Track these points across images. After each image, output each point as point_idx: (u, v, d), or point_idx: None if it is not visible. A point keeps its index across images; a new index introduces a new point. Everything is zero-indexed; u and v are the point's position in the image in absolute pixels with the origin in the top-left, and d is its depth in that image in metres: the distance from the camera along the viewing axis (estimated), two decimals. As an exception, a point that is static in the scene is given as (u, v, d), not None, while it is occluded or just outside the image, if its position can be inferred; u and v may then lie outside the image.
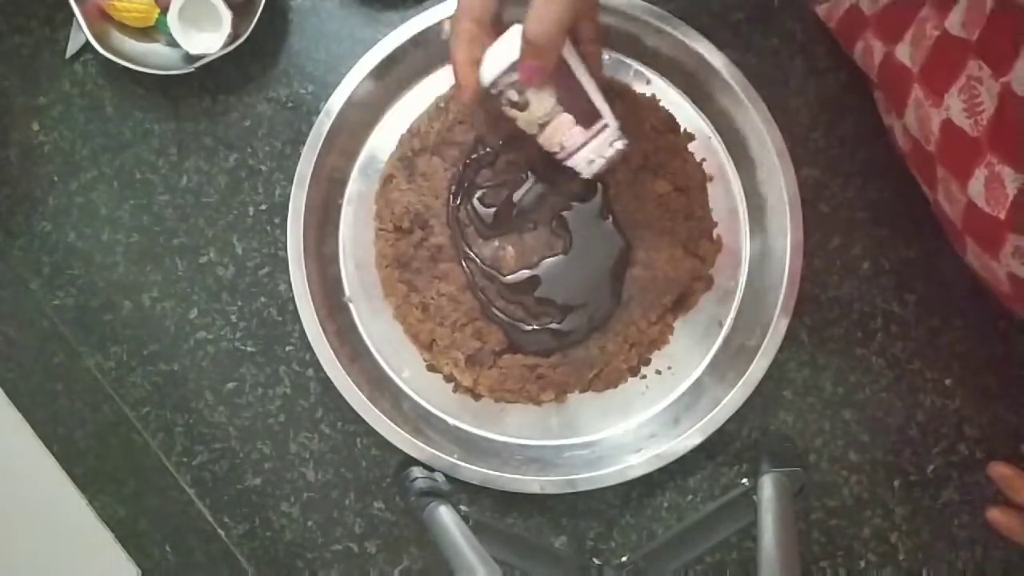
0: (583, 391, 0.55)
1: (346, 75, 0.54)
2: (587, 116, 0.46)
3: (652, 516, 0.55)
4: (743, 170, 0.56)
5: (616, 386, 0.55)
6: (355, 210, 0.57)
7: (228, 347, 0.57)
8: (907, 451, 0.55)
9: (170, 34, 0.55)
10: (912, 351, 0.55)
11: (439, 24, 0.54)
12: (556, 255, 0.55)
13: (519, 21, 0.42)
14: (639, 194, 0.55)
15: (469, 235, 0.55)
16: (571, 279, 0.55)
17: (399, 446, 0.52)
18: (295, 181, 0.54)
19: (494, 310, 0.55)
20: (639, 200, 0.55)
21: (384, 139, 0.57)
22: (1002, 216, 0.39)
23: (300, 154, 0.54)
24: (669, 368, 0.55)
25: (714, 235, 0.56)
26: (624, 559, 0.52)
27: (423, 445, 0.52)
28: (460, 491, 0.53)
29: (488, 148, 0.55)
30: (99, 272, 0.58)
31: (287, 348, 0.57)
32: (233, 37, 0.55)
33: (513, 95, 0.44)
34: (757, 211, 0.55)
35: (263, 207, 0.57)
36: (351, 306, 0.56)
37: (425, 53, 0.55)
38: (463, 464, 0.52)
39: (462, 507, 0.49)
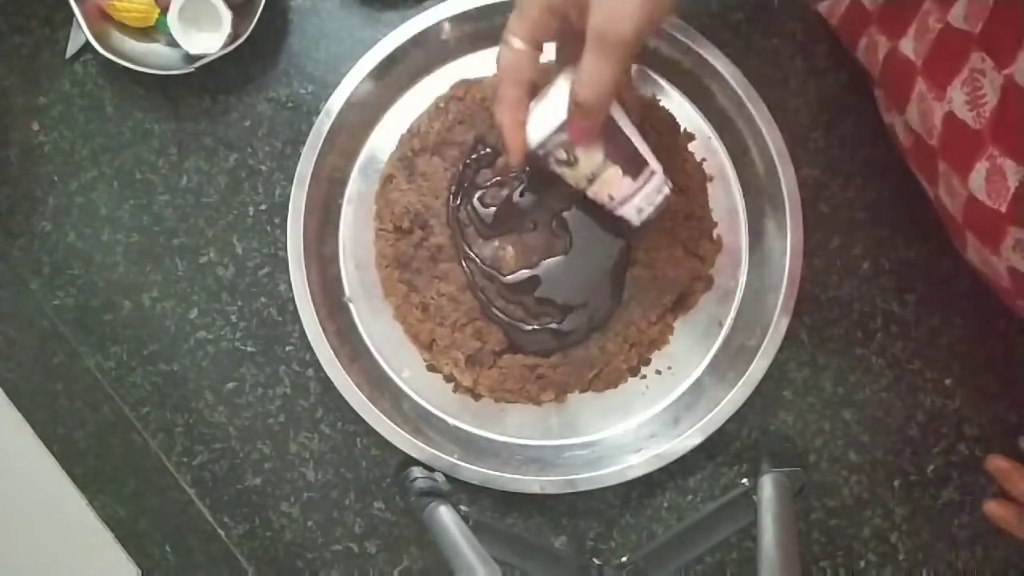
0: (583, 391, 0.55)
1: (346, 75, 0.54)
2: (635, 166, 0.46)
3: (652, 516, 0.55)
4: (743, 170, 0.55)
5: (616, 386, 0.55)
6: (355, 210, 0.57)
7: (228, 347, 0.57)
8: (907, 451, 0.55)
9: (170, 34, 0.55)
10: (912, 351, 0.55)
11: (440, 25, 0.54)
12: (556, 255, 0.55)
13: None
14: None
15: (469, 235, 0.55)
16: (571, 279, 0.55)
17: (399, 446, 0.52)
18: (295, 181, 0.54)
19: (494, 310, 0.54)
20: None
21: (384, 139, 0.57)
22: (1003, 209, 0.39)
23: (300, 154, 0.54)
24: (669, 368, 0.55)
25: (714, 235, 0.56)
26: (624, 559, 0.52)
27: (423, 445, 0.52)
28: (460, 491, 0.53)
29: (488, 148, 0.55)
30: (99, 272, 0.58)
31: (287, 348, 0.57)
32: (233, 37, 0.55)
33: (561, 154, 0.44)
34: (757, 211, 0.55)
35: (263, 207, 0.57)
36: (351, 306, 0.56)
37: (425, 53, 0.56)
38: (463, 464, 0.52)
39: (462, 507, 0.49)
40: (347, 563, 0.56)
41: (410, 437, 0.52)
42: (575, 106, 0.40)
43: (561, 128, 0.42)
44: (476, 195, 0.55)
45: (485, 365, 0.54)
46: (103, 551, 0.54)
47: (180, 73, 0.55)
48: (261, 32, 0.55)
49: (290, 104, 0.58)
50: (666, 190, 0.47)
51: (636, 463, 0.52)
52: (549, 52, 0.44)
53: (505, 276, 0.55)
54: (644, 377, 0.55)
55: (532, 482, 0.52)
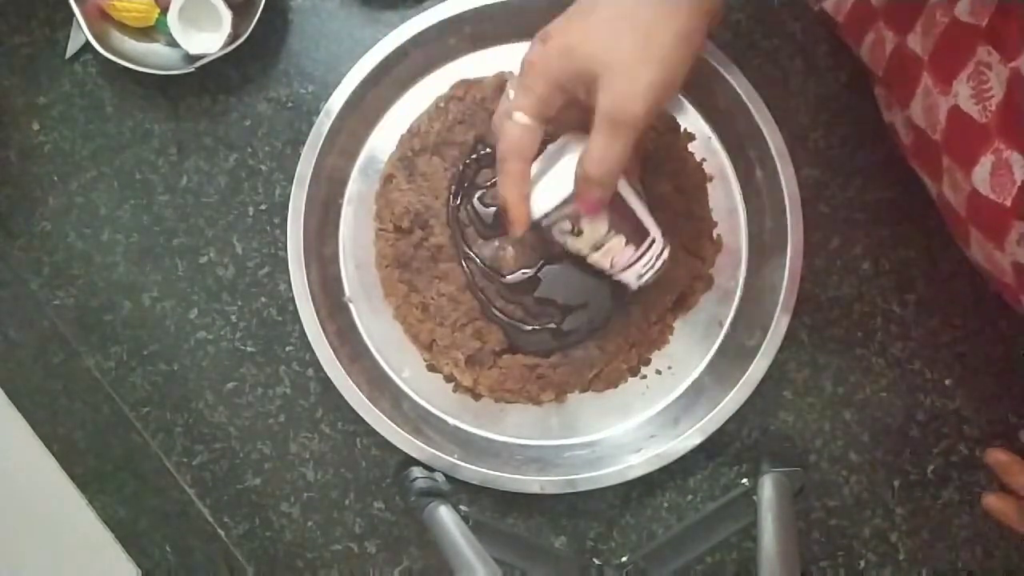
0: (583, 391, 0.55)
1: (346, 75, 0.54)
2: (638, 235, 0.46)
3: (652, 516, 0.55)
4: (743, 170, 0.55)
5: (616, 386, 0.55)
6: (355, 210, 0.57)
7: (228, 347, 0.57)
8: (907, 451, 0.55)
9: (170, 34, 0.55)
10: (912, 351, 0.55)
11: (440, 25, 0.54)
12: (556, 255, 0.55)
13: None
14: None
15: (469, 235, 0.55)
16: (571, 279, 0.55)
17: (399, 446, 0.52)
18: (295, 181, 0.54)
19: (494, 310, 0.55)
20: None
21: (384, 139, 0.57)
22: (1008, 203, 0.39)
23: (300, 154, 0.54)
24: (669, 368, 0.55)
25: (714, 235, 0.56)
26: (624, 559, 0.52)
27: (423, 445, 0.52)
28: (460, 491, 0.53)
29: (488, 148, 0.55)
30: (99, 272, 0.58)
31: (287, 348, 0.57)
32: (233, 37, 0.55)
33: (566, 224, 0.44)
34: (757, 211, 0.55)
35: (263, 207, 0.57)
36: (351, 306, 0.56)
37: (425, 53, 0.55)
38: (463, 464, 0.52)
39: (462, 507, 0.49)
40: (347, 563, 0.56)
41: (410, 437, 0.52)
42: (585, 181, 0.40)
43: (567, 201, 0.42)
44: (476, 195, 0.55)
45: (485, 365, 0.54)
46: (103, 551, 0.54)
47: (180, 73, 0.55)
48: (261, 32, 0.55)
49: (290, 104, 0.58)
50: (665, 254, 0.48)
51: (636, 463, 0.52)
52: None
53: (505, 276, 0.55)
54: (644, 377, 0.55)
55: (532, 482, 0.52)
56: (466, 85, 0.56)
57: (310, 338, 0.53)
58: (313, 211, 0.54)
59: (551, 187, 0.42)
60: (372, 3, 0.58)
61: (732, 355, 0.54)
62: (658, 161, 0.55)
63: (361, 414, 0.52)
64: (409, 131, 0.56)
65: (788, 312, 0.52)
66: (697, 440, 0.51)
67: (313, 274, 0.54)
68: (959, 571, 0.54)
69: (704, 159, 0.56)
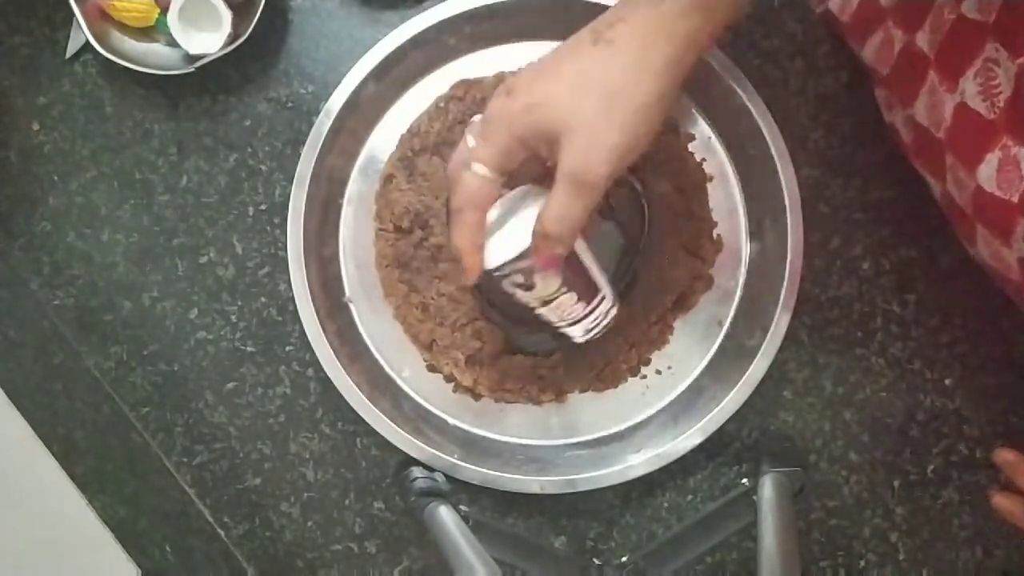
0: (583, 391, 0.55)
1: (346, 75, 0.54)
2: (589, 292, 0.46)
3: (652, 516, 0.55)
4: (743, 170, 0.55)
5: (616, 386, 0.55)
6: (355, 210, 0.57)
7: (228, 347, 0.57)
8: (907, 451, 0.55)
9: (170, 34, 0.55)
10: (912, 351, 0.55)
11: (440, 25, 0.54)
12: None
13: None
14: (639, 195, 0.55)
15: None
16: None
17: (399, 446, 0.52)
18: (295, 181, 0.54)
19: (494, 310, 0.54)
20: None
21: (384, 139, 0.57)
22: (1015, 199, 0.39)
23: (300, 154, 0.54)
24: (669, 368, 0.55)
25: (714, 235, 0.56)
26: (624, 559, 0.52)
27: (423, 445, 0.52)
28: (460, 491, 0.53)
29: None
30: (99, 272, 0.58)
31: (287, 348, 0.57)
32: (233, 37, 0.55)
33: (519, 278, 0.43)
34: (757, 211, 0.55)
35: (263, 207, 0.57)
36: (351, 306, 0.56)
37: (425, 53, 0.55)
38: (463, 464, 0.52)
39: (462, 507, 0.49)
40: (347, 563, 0.56)
41: (410, 437, 0.52)
42: (543, 239, 0.40)
43: (523, 255, 0.41)
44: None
45: (485, 365, 0.54)
46: (103, 551, 0.54)
47: (180, 73, 0.55)
48: (261, 32, 0.55)
49: (290, 104, 0.58)
50: (614, 311, 0.48)
51: (636, 463, 0.52)
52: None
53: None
54: (644, 377, 0.55)
55: (532, 482, 0.52)
56: (466, 85, 0.56)
57: (310, 338, 0.53)
58: (313, 211, 0.54)
59: (508, 240, 0.42)
60: (372, 3, 0.58)
61: (732, 355, 0.54)
62: (658, 161, 0.55)
63: (361, 414, 0.52)
64: (409, 131, 0.56)
65: (788, 312, 0.52)
66: (697, 440, 0.51)
67: (313, 274, 0.54)
68: (959, 571, 0.54)
69: (704, 159, 0.56)
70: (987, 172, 0.40)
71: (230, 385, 0.57)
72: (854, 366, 0.55)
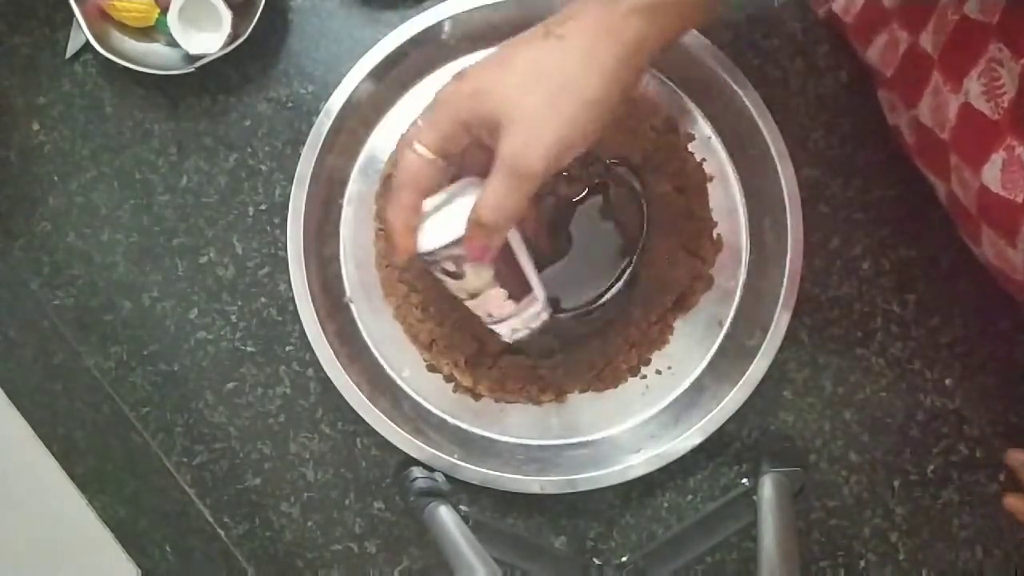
0: (583, 391, 0.55)
1: (346, 75, 0.54)
2: (520, 290, 0.45)
3: (652, 516, 0.55)
4: (743, 170, 0.55)
5: (616, 386, 0.55)
6: (355, 210, 0.57)
7: (228, 347, 0.57)
8: (907, 451, 0.55)
9: (170, 34, 0.55)
10: (912, 351, 0.55)
11: (440, 25, 0.54)
12: (556, 256, 0.55)
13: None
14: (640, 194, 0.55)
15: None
16: (571, 279, 0.55)
17: (399, 446, 0.52)
18: (295, 181, 0.54)
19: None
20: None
21: (384, 139, 0.57)
22: (1020, 199, 0.39)
23: (300, 154, 0.54)
24: (669, 368, 0.55)
25: (714, 235, 0.56)
26: (624, 559, 0.52)
27: (423, 445, 0.52)
28: (460, 491, 0.53)
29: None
30: (99, 272, 0.58)
31: (287, 348, 0.57)
32: (233, 37, 0.55)
33: (450, 265, 0.43)
34: (757, 211, 0.55)
35: (263, 207, 0.57)
36: (351, 306, 0.56)
37: (425, 53, 0.55)
38: (463, 464, 0.52)
39: (462, 507, 0.49)
40: (347, 563, 0.56)
41: (410, 437, 0.52)
42: (476, 227, 0.40)
43: (456, 243, 0.41)
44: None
45: (485, 365, 0.54)
46: (103, 551, 0.54)
47: (180, 73, 0.55)
48: (261, 32, 0.55)
49: (290, 104, 0.58)
50: (544, 316, 0.47)
51: (636, 463, 0.52)
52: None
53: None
54: (644, 377, 0.55)
55: (532, 482, 0.52)
56: (466, 85, 0.56)
57: (310, 338, 0.53)
58: (313, 211, 0.54)
59: (443, 225, 0.42)
60: (372, 3, 0.58)
61: (732, 355, 0.54)
62: (658, 161, 0.55)
63: (361, 414, 0.52)
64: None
65: (788, 312, 0.52)
66: (697, 440, 0.51)
67: (313, 274, 0.54)
68: (959, 571, 0.54)
69: (704, 159, 0.56)
70: (992, 172, 0.40)
71: (230, 385, 0.57)
72: (854, 366, 0.55)
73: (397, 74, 0.56)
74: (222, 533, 0.56)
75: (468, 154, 0.41)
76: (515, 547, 0.51)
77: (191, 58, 0.55)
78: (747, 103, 0.53)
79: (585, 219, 0.55)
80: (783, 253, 0.52)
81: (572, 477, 0.52)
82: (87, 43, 0.56)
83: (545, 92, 0.38)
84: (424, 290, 0.55)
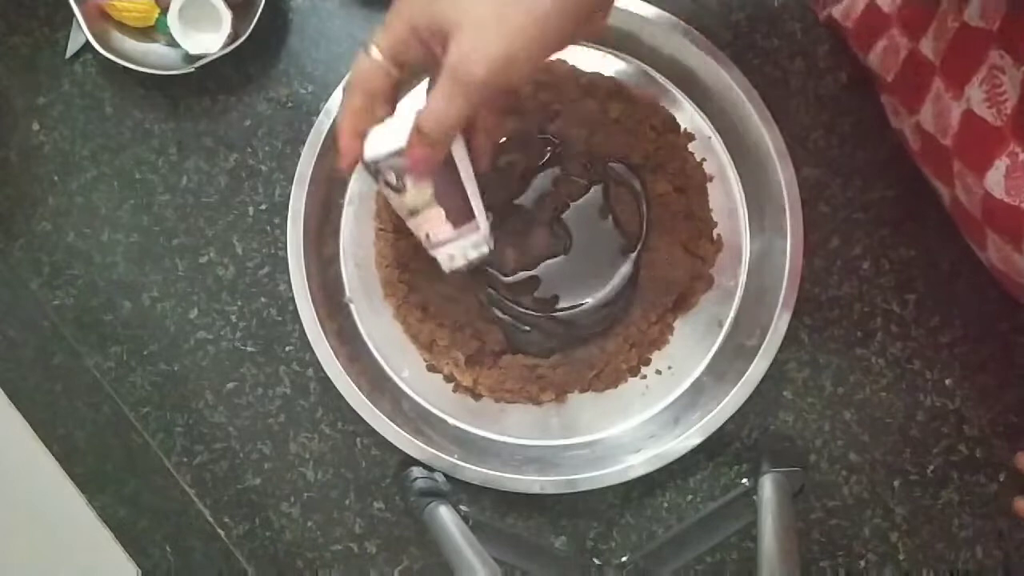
0: (583, 391, 0.55)
1: (346, 75, 0.54)
2: (460, 214, 0.45)
3: (652, 516, 0.55)
4: (743, 170, 0.55)
5: (616, 386, 0.55)
6: (355, 210, 0.57)
7: (228, 347, 0.57)
8: (907, 451, 0.55)
9: (170, 34, 0.55)
10: (912, 351, 0.55)
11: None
12: (556, 255, 0.55)
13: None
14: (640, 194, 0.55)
15: (469, 235, 0.55)
16: (571, 279, 0.55)
17: (399, 446, 0.52)
18: (295, 181, 0.54)
19: (494, 310, 0.55)
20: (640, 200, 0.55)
21: (384, 139, 0.57)
22: None
23: (300, 154, 0.54)
24: (669, 368, 0.55)
25: (714, 235, 0.56)
26: (624, 559, 0.52)
27: (423, 445, 0.52)
28: (460, 491, 0.53)
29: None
30: (99, 272, 0.58)
31: (287, 348, 0.57)
32: (233, 37, 0.55)
33: (392, 177, 0.43)
34: (757, 211, 0.55)
35: (263, 207, 0.57)
36: (351, 306, 0.56)
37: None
38: (463, 464, 0.52)
39: (462, 507, 0.49)
40: (347, 563, 0.56)
41: (410, 437, 0.52)
42: (417, 134, 0.40)
43: (398, 152, 0.41)
44: (476, 195, 0.55)
45: (485, 365, 0.54)
46: (103, 551, 0.54)
47: (180, 73, 0.55)
48: (261, 32, 0.55)
49: (290, 104, 0.58)
50: (484, 249, 0.47)
51: (636, 463, 0.52)
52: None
53: (505, 276, 0.55)
54: (644, 377, 0.55)
55: (532, 482, 0.52)
56: (466, 85, 0.56)
57: (310, 338, 0.53)
58: (313, 211, 0.54)
59: (387, 134, 0.41)
60: (372, 3, 0.58)
61: (732, 355, 0.54)
62: (658, 161, 0.55)
63: (361, 414, 0.52)
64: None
65: (788, 312, 0.52)
66: (697, 440, 0.51)
67: (313, 274, 0.54)
68: (959, 571, 0.54)
69: (704, 159, 0.56)
70: (995, 178, 0.40)
71: (230, 385, 0.57)
72: (854, 366, 0.55)
73: (397, 74, 0.56)
74: (222, 533, 0.56)
75: (431, 71, 0.41)
76: (515, 547, 0.51)
77: (191, 58, 0.55)
78: (747, 103, 0.53)
79: (585, 219, 0.55)
80: (783, 253, 0.52)
81: (572, 477, 0.52)
82: (87, 43, 0.56)
83: (495, 1, 0.37)
84: (424, 290, 0.55)
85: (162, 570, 0.55)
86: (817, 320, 0.55)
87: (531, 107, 0.55)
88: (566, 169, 0.55)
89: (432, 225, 0.45)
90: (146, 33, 0.57)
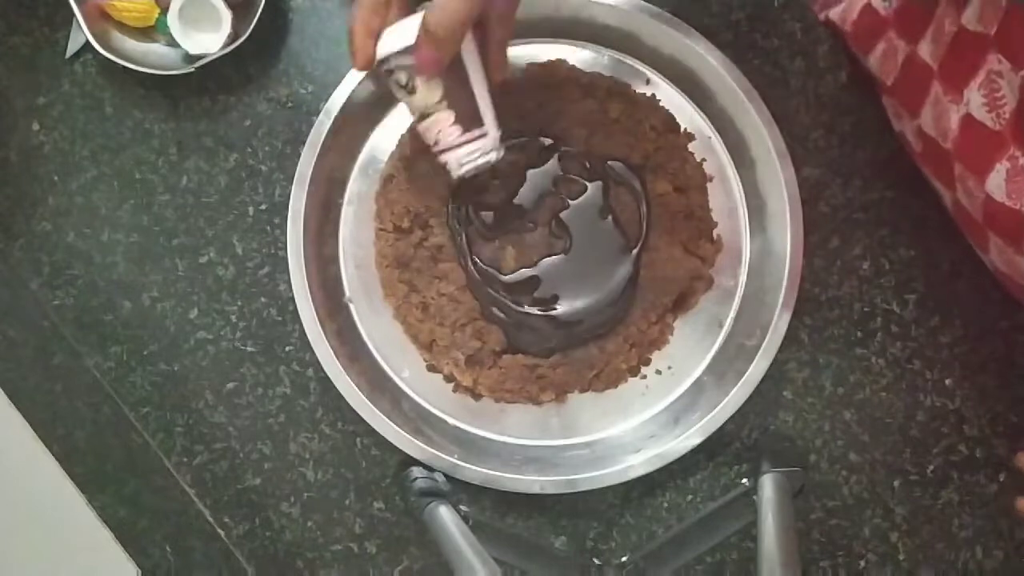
0: (583, 391, 0.55)
1: (346, 75, 0.54)
2: (469, 119, 0.46)
3: (652, 516, 0.55)
4: (743, 170, 0.55)
5: (616, 386, 0.55)
6: (355, 210, 0.57)
7: (228, 347, 0.57)
8: (907, 451, 0.55)
9: (170, 34, 0.55)
10: (912, 351, 0.55)
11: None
12: (556, 255, 0.55)
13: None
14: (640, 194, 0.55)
15: (469, 235, 0.55)
16: (571, 278, 0.55)
17: (399, 446, 0.52)
18: (295, 181, 0.54)
19: (494, 310, 0.55)
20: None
21: (384, 139, 0.57)
22: None
23: (300, 154, 0.54)
24: (669, 368, 0.55)
25: (714, 235, 0.56)
26: (624, 559, 0.52)
27: (423, 445, 0.52)
28: (460, 491, 0.53)
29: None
30: (99, 272, 0.58)
31: (287, 348, 0.57)
32: (233, 37, 0.55)
33: (402, 78, 0.44)
34: (757, 211, 0.55)
35: (263, 207, 0.57)
36: (351, 306, 0.56)
37: (425, 53, 0.55)
38: (463, 464, 0.52)
39: (462, 507, 0.49)
40: (347, 563, 0.56)
41: (410, 437, 0.52)
42: (423, 32, 0.40)
43: (408, 51, 0.42)
44: (476, 195, 0.55)
45: (485, 365, 0.54)
46: (103, 551, 0.54)
47: (180, 73, 0.55)
48: (261, 32, 0.55)
49: (290, 104, 0.58)
50: (492, 156, 0.48)
51: (636, 463, 0.52)
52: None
53: (505, 276, 0.55)
54: (644, 377, 0.55)
55: (532, 482, 0.52)
56: (466, 85, 0.56)
57: (310, 338, 0.53)
58: (313, 211, 0.54)
59: (399, 34, 0.42)
60: (372, 3, 0.58)
61: (732, 355, 0.54)
62: (658, 161, 0.55)
63: (361, 414, 0.52)
64: (409, 131, 0.56)
65: (788, 312, 0.52)
66: (697, 440, 0.51)
67: (313, 274, 0.54)
68: (959, 571, 0.54)
69: (704, 159, 0.56)
70: (996, 181, 0.40)
71: (230, 385, 0.57)
72: (854, 366, 0.55)
73: (397, 74, 0.56)
74: (222, 533, 0.56)
75: None
76: (515, 547, 0.51)
77: (191, 58, 0.55)
78: (747, 103, 0.53)
79: (585, 218, 0.55)
80: (783, 253, 0.52)
81: (572, 477, 0.52)
82: (87, 43, 0.56)
83: None
84: (424, 290, 0.55)
85: (162, 570, 0.55)
86: (817, 320, 0.55)
87: (531, 107, 0.55)
88: (566, 169, 0.55)
89: (440, 128, 0.46)
90: (146, 33, 0.57)
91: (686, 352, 0.55)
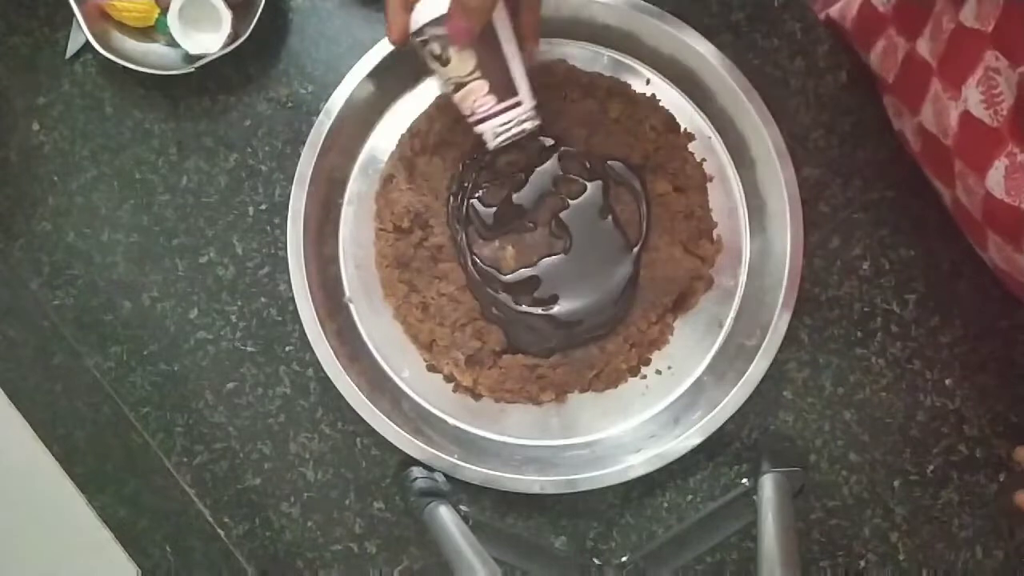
0: (583, 391, 0.55)
1: (346, 75, 0.54)
2: (503, 88, 0.47)
3: (652, 516, 0.55)
4: (743, 170, 0.55)
5: (616, 386, 0.55)
6: (355, 210, 0.57)
7: (228, 347, 0.57)
8: (907, 451, 0.55)
9: (170, 34, 0.55)
10: (912, 351, 0.55)
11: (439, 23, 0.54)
12: (556, 255, 0.55)
13: None
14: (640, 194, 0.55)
15: (469, 235, 0.55)
16: (571, 278, 0.55)
17: (399, 446, 0.52)
18: (295, 181, 0.54)
19: (494, 310, 0.55)
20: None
21: (384, 139, 0.57)
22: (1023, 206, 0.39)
23: (300, 154, 0.54)
24: (669, 368, 0.55)
25: (714, 235, 0.56)
26: (624, 559, 0.52)
27: (423, 445, 0.52)
28: (460, 491, 0.53)
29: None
30: (99, 272, 0.58)
31: (287, 348, 0.57)
32: (233, 37, 0.55)
33: (436, 48, 0.45)
34: (757, 211, 0.55)
35: (263, 207, 0.57)
36: (351, 306, 0.56)
37: (425, 53, 0.55)
38: (463, 464, 0.52)
39: (462, 507, 0.49)
40: (347, 563, 0.56)
41: (410, 437, 0.52)
42: (455, 2, 0.41)
43: (441, 21, 0.43)
44: (476, 195, 0.55)
45: (485, 365, 0.54)
46: (103, 551, 0.54)
47: (180, 73, 0.55)
48: (261, 32, 0.55)
49: (290, 104, 0.58)
50: (527, 125, 0.48)
51: (636, 463, 0.52)
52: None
53: (505, 276, 0.55)
54: (644, 377, 0.55)
55: (532, 482, 0.52)
56: (466, 85, 0.56)
57: (310, 338, 0.53)
58: (313, 211, 0.54)
59: (432, 5, 0.43)
60: (372, 3, 0.58)
61: (732, 355, 0.54)
62: (658, 161, 0.55)
63: (361, 414, 0.52)
64: (409, 131, 0.56)
65: (788, 312, 0.52)
66: (697, 440, 0.51)
67: (313, 274, 0.54)
68: (959, 571, 0.54)
69: (704, 159, 0.56)
70: (995, 178, 0.40)
71: (230, 385, 0.57)
72: (854, 366, 0.55)
73: (397, 74, 0.56)
74: (222, 533, 0.56)
75: None
76: (515, 547, 0.51)
77: (191, 58, 0.55)
78: (747, 103, 0.53)
79: (585, 218, 0.55)
80: (783, 253, 0.52)
81: (572, 477, 0.52)
82: (87, 43, 0.56)
83: None
84: (424, 290, 0.55)
85: (162, 570, 0.55)
86: (817, 320, 0.55)
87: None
88: (566, 169, 0.55)
89: (475, 97, 0.47)
90: (146, 33, 0.57)
91: (686, 352, 0.55)
